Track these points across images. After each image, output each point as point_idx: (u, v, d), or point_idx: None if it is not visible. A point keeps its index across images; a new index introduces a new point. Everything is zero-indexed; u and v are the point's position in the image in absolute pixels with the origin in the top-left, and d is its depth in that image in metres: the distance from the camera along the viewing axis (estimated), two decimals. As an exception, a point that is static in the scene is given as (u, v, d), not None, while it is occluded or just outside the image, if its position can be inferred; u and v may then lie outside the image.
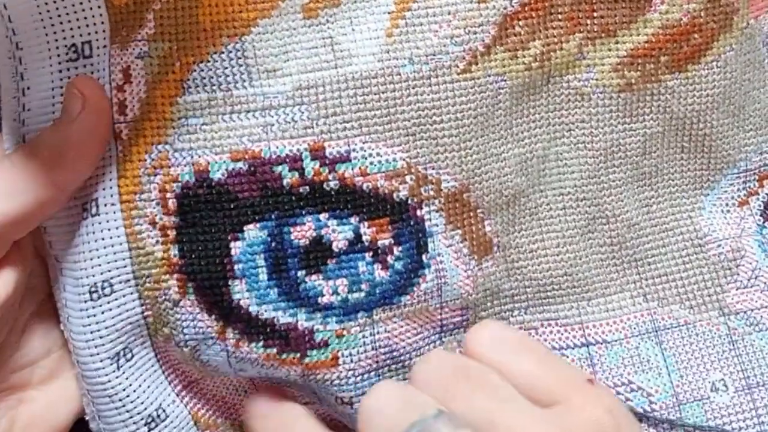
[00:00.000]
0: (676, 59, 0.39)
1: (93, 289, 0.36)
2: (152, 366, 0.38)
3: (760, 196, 0.43)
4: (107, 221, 0.36)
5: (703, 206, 0.42)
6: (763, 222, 0.43)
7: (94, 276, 0.36)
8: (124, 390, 0.37)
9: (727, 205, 0.42)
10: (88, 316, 0.36)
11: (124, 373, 0.37)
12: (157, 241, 0.36)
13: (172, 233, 0.36)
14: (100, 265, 0.36)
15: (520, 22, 0.37)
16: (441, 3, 0.36)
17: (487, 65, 0.37)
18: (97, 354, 0.36)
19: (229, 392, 0.40)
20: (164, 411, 0.38)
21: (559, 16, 0.38)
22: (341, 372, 0.37)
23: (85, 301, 0.36)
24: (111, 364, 0.36)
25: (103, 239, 0.36)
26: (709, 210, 0.42)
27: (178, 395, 0.39)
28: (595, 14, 0.38)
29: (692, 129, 0.41)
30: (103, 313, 0.36)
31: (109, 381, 0.36)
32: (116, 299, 0.36)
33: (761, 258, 0.42)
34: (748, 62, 0.41)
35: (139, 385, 0.37)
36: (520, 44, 0.37)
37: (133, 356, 0.37)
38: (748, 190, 0.43)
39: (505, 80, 0.37)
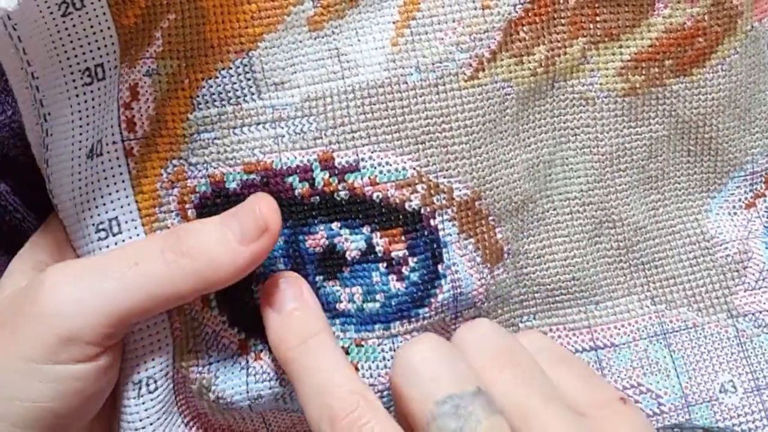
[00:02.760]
0: (680, 63, 0.39)
1: None
2: (169, 397, 0.38)
3: (766, 198, 0.43)
4: (130, 237, 0.36)
5: (710, 209, 0.42)
6: (770, 223, 0.43)
7: None
8: (141, 420, 0.36)
9: (733, 207, 0.42)
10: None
11: (144, 403, 0.36)
12: None
13: None
14: None
15: (525, 28, 0.37)
16: (445, 11, 0.36)
17: (494, 71, 0.37)
18: (128, 375, 0.36)
19: (236, 422, 0.40)
20: None
21: (563, 21, 0.38)
22: None
23: None
24: (132, 389, 0.36)
25: None
26: (715, 212, 0.42)
27: (186, 425, 0.39)
28: (597, 18, 0.38)
29: (698, 132, 0.41)
30: (139, 330, 0.36)
31: (128, 407, 0.36)
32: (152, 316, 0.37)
33: (768, 259, 0.42)
34: (753, 65, 0.41)
35: (157, 418, 0.37)
36: (525, 50, 0.37)
37: (156, 388, 0.37)
38: (754, 192, 0.43)
39: (511, 86, 0.37)
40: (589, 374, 0.36)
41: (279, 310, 0.36)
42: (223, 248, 0.34)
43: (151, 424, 0.36)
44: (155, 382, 0.37)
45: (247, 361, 0.37)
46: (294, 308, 0.35)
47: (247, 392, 0.37)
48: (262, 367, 0.37)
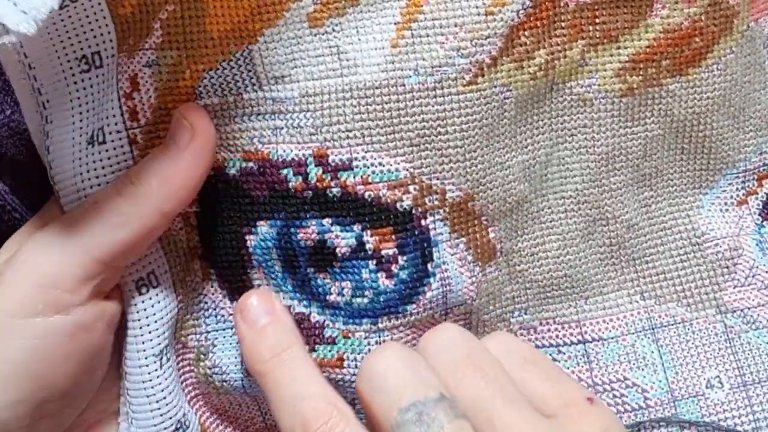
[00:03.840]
0: (677, 63, 0.39)
1: (141, 283, 0.37)
2: (175, 370, 0.38)
3: (758, 196, 0.43)
4: None
5: (702, 205, 0.42)
6: (762, 221, 0.43)
7: (138, 272, 0.37)
8: (162, 391, 0.37)
9: (725, 204, 0.43)
10: (138, 312, 0.37)
11: (164, 372, 0.37)
12: (181, 228, 0.38)
13: (194, 220, 0.38)
14: (140, 260, 0.37)
15: (526, 32, 0.37)
16: (448, 15, 0.36)
17: (493, 77, 0.37)
18: (144, 350, 0.37)
19: (232, 407, 0.40)
20: (186, 418, 0.38)
21: (563, 24, 0.38)
22: (345, 375, 0.38)
23: (134, 297, 0.37)
24: (155, 362, 0.37)
25: None
26: (707, 209, 0.42)
27: (189, 402, 0.39)
28: (597, 20, 0.38)
29: (692, 131, 0.41)
30: (153, 306, 0.37)
31: (150, 380, 0.37)
32: (162, 290, 0.37)
33: (758, 257, 0.42)
34: (748, 64, 0.41)
35: (175, 387, 0.38)
36: (525, 54, 0.37)
37: (169, 359, 0.38)
38: (747, 189, 0.43)
39: (510, 90, 0.37)
40: (556, 375, 0.36)
41: (252, 325, 0.36)
42: (166, 162, 0.35)
43: (170, 393, 0.37)
44: (169, 351, 0.38)
45: None
46: (266, 323, 0.36)
47: (241, 364, 0.38)
48: None
